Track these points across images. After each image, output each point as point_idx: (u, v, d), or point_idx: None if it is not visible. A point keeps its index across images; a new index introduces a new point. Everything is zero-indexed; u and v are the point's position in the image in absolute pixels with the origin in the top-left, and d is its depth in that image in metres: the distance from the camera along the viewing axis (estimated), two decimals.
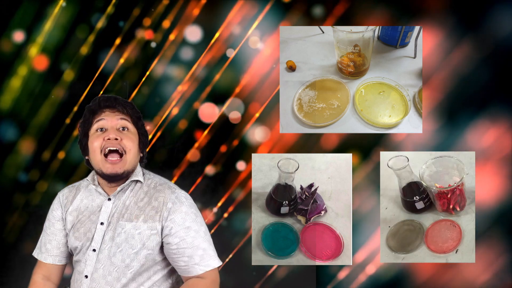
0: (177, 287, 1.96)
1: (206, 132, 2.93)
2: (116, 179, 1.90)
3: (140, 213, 1.88)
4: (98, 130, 1.89)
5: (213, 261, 1.88)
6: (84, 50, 2.95)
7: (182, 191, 1.93)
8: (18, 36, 2.95)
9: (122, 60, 2.95)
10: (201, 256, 1.87)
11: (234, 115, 2.71)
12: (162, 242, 1.88)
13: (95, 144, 1.88)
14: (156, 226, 1.87)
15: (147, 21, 2.94)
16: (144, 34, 2.94)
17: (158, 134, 2.95)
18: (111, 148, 1.87)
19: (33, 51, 2.95)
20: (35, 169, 3.00)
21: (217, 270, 1.91)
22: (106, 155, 1.87)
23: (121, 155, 1.88)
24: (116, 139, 1.87)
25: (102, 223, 1.91)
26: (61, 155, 2.98)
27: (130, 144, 1.89)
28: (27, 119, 2.98)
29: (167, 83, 2.95)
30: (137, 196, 1.92)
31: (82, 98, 2.96)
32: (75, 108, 2.97)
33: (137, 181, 1.94)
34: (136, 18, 2.94)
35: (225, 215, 2.93)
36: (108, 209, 1.92)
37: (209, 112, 2.91)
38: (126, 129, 1.90)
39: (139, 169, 1.96)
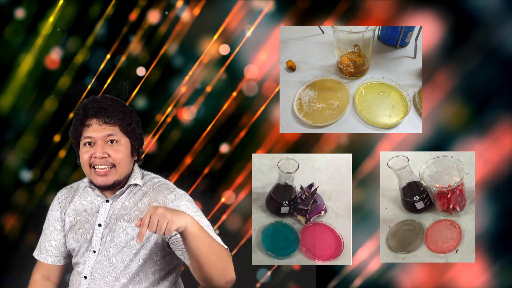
0: None
1: (206, 132, 2.92)
2: (108, 188, 1.91)
3: (140, 214, 1.88)
4: (87, 144, 1.88)
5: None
6: (84, 50, 2.96)
7: (181, 191, 1.93)
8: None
9: (122, 60, 2.95)
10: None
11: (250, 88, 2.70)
12: (164, 240, 1.87)
13: (84, 157, 1.88)
14: None
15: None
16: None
17: (158, 134, 2.95)
18: (100, 167, 1.87)
19: (33, 51, 2.96)
20: (35, 168, 3.00)
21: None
22: (95, 167, 1.87)
23: (111, 166, 1.88)
24: (103, 157, 1.86)
25: (100, 225, 1.91)
26: (62, 154, 2.99)
27: (119, 157, 1.88)
28: (27, 117, 2.99)
29: (166, 83, 2.95)
30: (136, 197, 1.92)
31: (82, 97, 2.96)
32: (75, 107, 2.97)
33: (135, 184, 1.94)
34: (134, 21, 2.95)
35: (225, 215, 2.93)
36: (106, 210, 1.92)
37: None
38: (114, 142, 1.89)
39: (136, 171, 1.95)
